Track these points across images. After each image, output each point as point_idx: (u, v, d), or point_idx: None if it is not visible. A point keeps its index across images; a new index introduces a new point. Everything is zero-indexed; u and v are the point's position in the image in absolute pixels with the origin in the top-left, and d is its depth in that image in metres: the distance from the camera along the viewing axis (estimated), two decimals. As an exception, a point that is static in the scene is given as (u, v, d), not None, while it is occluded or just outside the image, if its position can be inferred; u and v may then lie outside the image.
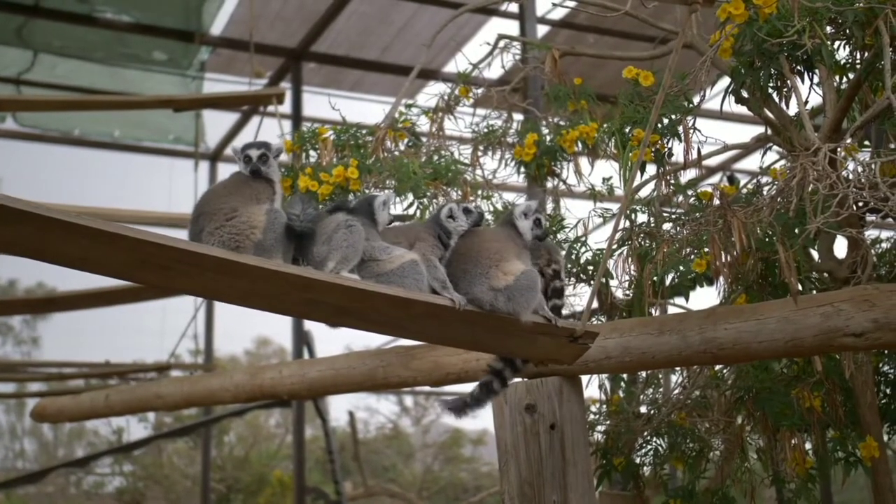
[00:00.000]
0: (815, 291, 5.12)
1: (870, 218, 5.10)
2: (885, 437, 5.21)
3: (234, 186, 3.66)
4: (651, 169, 5.23)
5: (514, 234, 4.11)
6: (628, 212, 5.32)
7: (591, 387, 5.78)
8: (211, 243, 3.40)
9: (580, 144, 5.66)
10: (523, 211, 4.17)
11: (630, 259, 5.13)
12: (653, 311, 5.22)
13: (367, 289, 3.51)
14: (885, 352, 5.22)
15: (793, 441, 5.12)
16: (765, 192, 4.85)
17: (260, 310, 3.71)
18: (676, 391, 5.85)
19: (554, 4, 10.71)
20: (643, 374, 6.06)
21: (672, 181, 5.28)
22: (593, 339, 3.96)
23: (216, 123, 14.12)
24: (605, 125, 5.56)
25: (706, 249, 4.92)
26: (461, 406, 4.11)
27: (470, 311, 3.72)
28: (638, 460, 5.74)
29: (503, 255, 3.87)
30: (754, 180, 5.43)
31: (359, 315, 3.68)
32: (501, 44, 6.46)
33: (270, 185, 3.72)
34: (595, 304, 6.62)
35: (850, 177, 4.05)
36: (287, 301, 3.62)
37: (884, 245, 5.41)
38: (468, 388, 4.28)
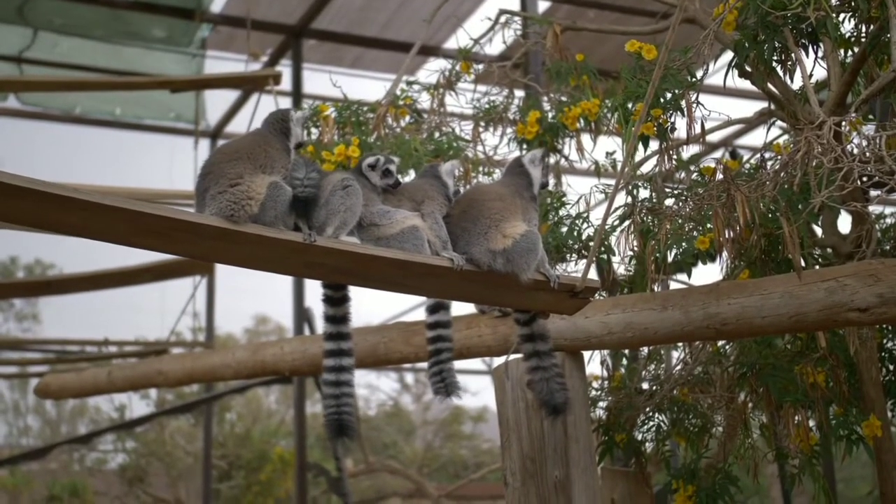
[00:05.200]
0: (817, 267, 5.10)
1: (874, 193, 5.07)
2: (889, 414, 5.19)
3: (250, 148, 3.59)
4: (654, 144, 5.20)
5: (522, 187, 4.06)
6: (630, 188, 5.29)
7: (593, 363, 5.78)
8: (212, 208, 3.38)
9: (582, 121, 5.64)
10: (531, 159, 4.13)
11: (632, 235, 5.11)
12: (655, 288, 5.20)
13: (365, 252, 3.54)
14: (890, 327, 5.20)
15: (796, 417, 5.10)
16: (768, 167, 4.82)
17: (262, 271, 3.76)
18: (678, 367, 5.84)
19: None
20: (645, 350, 6.05)
21: (674, 157, 5.26)
22: (593, 293, 3.97)
23: (217, 101, 14.07)
24: (607, 101, 5.53)
25: (709, 225, 4.90)
26: (557, 407, 4.16)
27: (469, 270, 3.73)
28: (640, 436, 5.73)
29: (504, 214, 3.83)
30: (757, 155, 5.40)
31: (359, 274, 3.71)
32: (502, 19, 6.43)
33: (287, 155, 3.68)
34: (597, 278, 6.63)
35: (855, 151, 4.02)
36: (287, 264, 3.68)
37: (888, 220, 5.39)
38: (466, 364, 4.32)
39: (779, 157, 4.77)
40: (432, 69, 6.29)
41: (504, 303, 4.35)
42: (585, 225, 5.55)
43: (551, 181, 6.20)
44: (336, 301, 3.89)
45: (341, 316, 3.89)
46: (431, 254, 3.74)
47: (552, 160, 5.91)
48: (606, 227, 5.41)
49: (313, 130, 5.79)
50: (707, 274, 5.58)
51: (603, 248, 5.44)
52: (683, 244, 5.26)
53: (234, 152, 3.57)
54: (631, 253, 5.24)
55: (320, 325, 11.26)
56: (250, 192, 3.40)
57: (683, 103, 4.76)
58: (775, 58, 4.60)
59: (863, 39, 4.67)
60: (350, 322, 3.92)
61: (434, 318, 4.24)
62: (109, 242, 3.36)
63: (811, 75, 4.57)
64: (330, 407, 3.82)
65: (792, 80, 4.84)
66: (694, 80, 4.78)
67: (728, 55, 4.90)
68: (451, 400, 4.21)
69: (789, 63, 4.67)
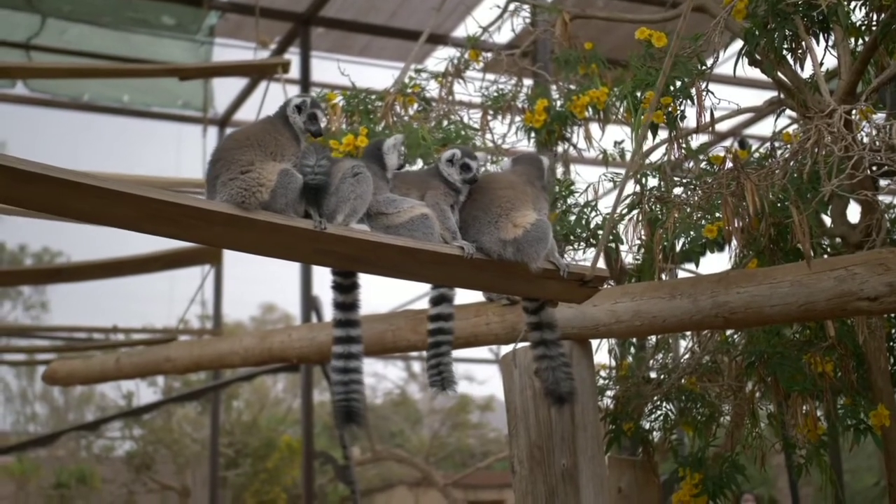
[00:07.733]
0: (826, 256, 5.08)
1: (883, 182, 5.06)
2: (898, 404, 5.18)
3: (260, 136, 3.58)
4: (663, 133, 5.19)
5: (534, 176, 4.07)
6: (639, 176, 5.28)
7: (601, 352, 5.77)
8: (223, 194, 3.38)
9: (591, 110, 5.62)
10: (546, 163, 4.17)
11: (640, 224, 5.10)
12: (663, 277, 5.19)
13: (376, 240, 3.55)
14: (899, 317, 5.19)
15: (804, 407, 5.09)
16: (778, 155, 4.80)
17: (272, 257, 3.80)
18: (686, 356, 5.83)
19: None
20: (652, 338, 6.04)
21: (684, 145, 5.24)
22: (603, 282, 3.98)
23: (225, 89, 14.07)
24: (615, 89, 5.51)
25: (718, 214, 4.89)
26: (562, 396, 4.19)
27: (478, 259, 3.73)
28: (647, 425, 5.73)
29: (515, 203, 3.84)
30: (767, 144, 5.39)
31: (368, 262, 3.72)
32: (511, 7, 6.41)
33: (297, 143, 3.66)
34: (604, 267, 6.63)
35: (865, 140, 4.00)
36: (297, 250, 3.71)
37: (897, 210, 5.37)
38: (473, 353, 4.34)
39: (788, 145, 4.76)
40: (441, 57, 6.28)
41: (513, 291, 4.36)
42: (594, 213, 5.54)
43: (560, 169, 6.20)
44: (345, 288, 3.89)
45: (350, 303, 3.89)
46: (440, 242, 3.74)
47: (560, 149, 5.90)
48: (615, 215, 5.41)
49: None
50: (715, 263, 5.56)
51: (611, 237, 5.43)
52: (692, 233, 5.25)
53: (245, 139, 3.56)
54: (639, 242, 5.24)
55: (328, 313, 11.28)
56: (261, 179, 3.40)
57: (693, 91, 4.74)
58: (786, 46, 4.58)
59: (874, 28, 4.65)
60: (359, 309, 3.92)
61: (437, 310, 4.24)
62: (121, 228, 3.39)
63: (821, 64, 4.55)
64: (339, 394, 3.83)
65: (802, 69, 4.82)
66: (704, 68, 4.76)
67: (737, 44, 4.88)
68: (447, 393, 4.22)
69: (800, 51, 4.65)
